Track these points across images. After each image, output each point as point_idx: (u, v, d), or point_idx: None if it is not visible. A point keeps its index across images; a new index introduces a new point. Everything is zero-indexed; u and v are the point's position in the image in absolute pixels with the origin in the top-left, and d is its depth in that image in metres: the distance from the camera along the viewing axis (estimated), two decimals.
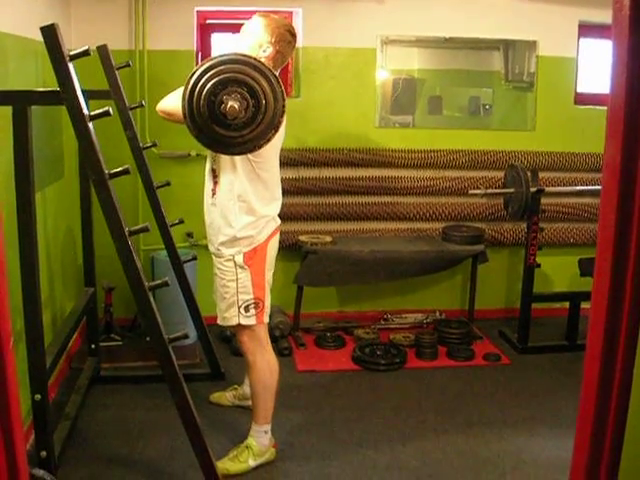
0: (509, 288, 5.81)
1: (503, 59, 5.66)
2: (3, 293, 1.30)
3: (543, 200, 5.01)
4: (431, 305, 5.71)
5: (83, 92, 2.66)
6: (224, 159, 3.25)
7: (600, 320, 1.29)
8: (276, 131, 2.93)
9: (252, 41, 3.34)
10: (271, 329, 5.17)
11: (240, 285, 3.37)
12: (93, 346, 4.52)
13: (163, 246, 4.37)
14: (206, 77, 2.79)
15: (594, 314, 1.33)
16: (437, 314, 5.62)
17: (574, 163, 5.62)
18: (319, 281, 5.24)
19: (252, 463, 3.52)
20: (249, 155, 3.16)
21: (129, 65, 4.09)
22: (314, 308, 5.53)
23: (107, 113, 2.63)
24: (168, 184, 4.26)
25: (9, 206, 2.90)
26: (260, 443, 3.55)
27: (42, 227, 3.98)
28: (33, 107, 2.94)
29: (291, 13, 5.32)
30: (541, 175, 5.23)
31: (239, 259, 3.35)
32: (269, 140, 2.95)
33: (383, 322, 5.53)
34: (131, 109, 4.08)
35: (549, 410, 4.19)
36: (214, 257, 3.48)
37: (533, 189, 4.87)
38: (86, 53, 2.60)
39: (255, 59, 2.84)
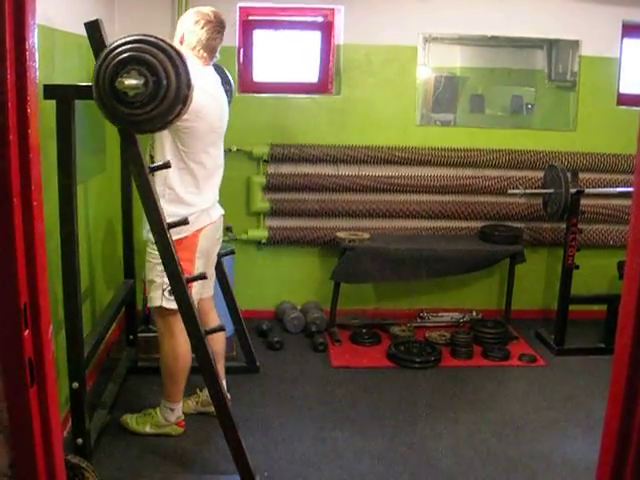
0: (547, 289, 5.77)
1: (546, 58, 5.61)
2: (43, 285, 1.35)
3: (583, 201, 4.97)
4: (468, 304, 5.69)
5: None
6: (157, 145, 3.35)
7: (629, 323, 1.30)
8: (184, 106, 2.81)
9: (177, 29, 3.45)
10: (307, 324, 5.23)
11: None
12: (131, 337, 4.61)
13: None
14: (107, 60, 2.73)
15: (623, 318, 1.33)
16: (473, 313, 5.59)
17: (615, 164, 5.54)
18: (356, 278, 5.25)
19: (148, 430, 3.74)
20: (178, 144, 3.28)
21: None
22: (350, 305, 5.54)
23: None
24: None
25: (52, 198, 2.95)
26: (163, 416, 3.72)
27: (83, 219, 4.05)
28: (77, 101, 3.00)
29: (332, 10, 5.33)
30: (581, 176, 5.19)
31: None
32: (178, 115, 2.83)
33: (419, 320, 5.53)
34: None
35: (583, 412, 4.16)
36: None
37: (573, 190, 4.83)
38: None
39: (154, 36, 2.77)
